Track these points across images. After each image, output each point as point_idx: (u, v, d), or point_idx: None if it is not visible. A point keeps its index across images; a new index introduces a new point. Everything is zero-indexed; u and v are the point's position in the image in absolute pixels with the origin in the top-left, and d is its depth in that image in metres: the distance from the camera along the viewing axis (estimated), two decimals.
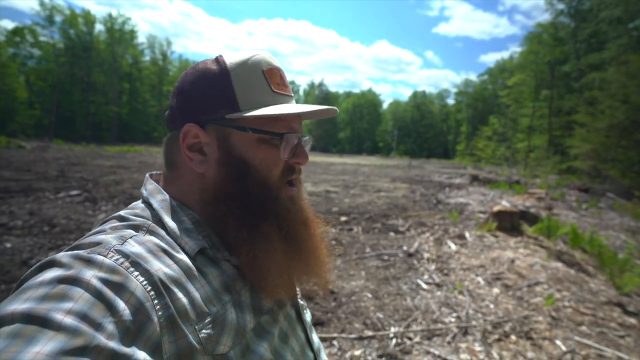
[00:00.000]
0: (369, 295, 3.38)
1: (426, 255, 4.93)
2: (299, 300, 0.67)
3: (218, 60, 0.55)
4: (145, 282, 0.41)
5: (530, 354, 2.49)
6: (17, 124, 33.10)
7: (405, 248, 5.16)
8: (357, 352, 2.38)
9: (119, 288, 0.38)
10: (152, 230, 0.49)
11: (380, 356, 2.37)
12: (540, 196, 10.27)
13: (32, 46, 39.76)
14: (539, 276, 4.09)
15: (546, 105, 30.45)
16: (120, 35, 46.10)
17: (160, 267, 0.44)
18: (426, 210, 8.35)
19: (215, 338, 0.45)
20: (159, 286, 0.42)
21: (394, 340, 2.55)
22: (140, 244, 0.45)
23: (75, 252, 0.40)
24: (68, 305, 0.34)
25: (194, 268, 0.47)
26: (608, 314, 3.29)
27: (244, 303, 0.51)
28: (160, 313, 0.40)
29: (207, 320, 0.45)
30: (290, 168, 0.58)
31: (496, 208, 6.02)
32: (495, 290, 3.69)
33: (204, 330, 0.44)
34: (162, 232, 0.49)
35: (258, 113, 0.52)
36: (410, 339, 2.60)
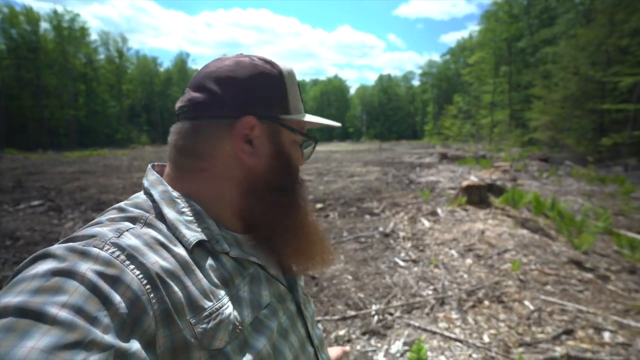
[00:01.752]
0: (349, 277, 3.48)
1: (402, 234, 5.09)
2: (302, 293, 0.66)
3: (272, 64, 0.58)
4: (141, 276, 0.40)
5: (502, 316, 2.66)
6: None
7: (381, 229, 5.30)
8: (342, 332, 2.47)
9: (115, 281, 0.38)
10: (150, 222, 0.48)
11: (363, 333, 2.46)
12: (505, 169, 10.75)
13: None
14: (507, 244, 4.33)
15: (506, 81, 31.61)
16: (69, 33, 43.35)
17: (157, 260, 0.43)
18: (399, 191, 8.56)
19: (211, 333, 0.44)
20: (155, 280, 0.41)
21: (375, 317, 2.65)
22: (137, 236, 0.44)
23: (70, 244, 0.40)
24: (62, 298, 0.33)
25: (191, 262, 0.46)
26: (569, 272, 3.54)
27: (242, 298, 0.50)
28: (156, 307, 0.40)
29: (203, 315, 0.44)
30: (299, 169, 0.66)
31: (465, 183, 6.26)
32: (468, 261, 3.88)
33: (200, 325, 0.43)
34: (161, 225, 0.48)
35: (308, 119, 0.60)
36: (391, 314, 2.71)
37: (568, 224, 4.65)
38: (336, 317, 2.65)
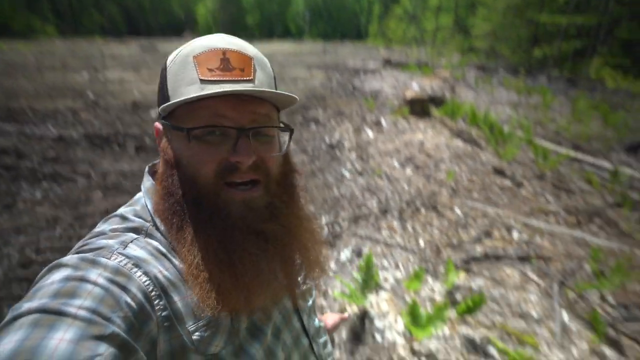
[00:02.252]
0: None
1: (347, 144, 5.24)
2: (300, 287, 0.62)
3: (168, 55, 0.53)
4: (147, 282, 0.43)
5: (436, 223, 3.01)
6: None
7: (327, 139, 5.38)
8: None
9: (124, 286, 0.40)
10: (150, 233, 0.49)
11: None
12: (445, 77, 11.04)
13: None
14: (444, 155, 4.69)
15: None
16: None
17: (160, 270, 0.45)
18: (344, 98, 8.52)
19: (208, 340, 0.46)
20: (159, 287, 0.43)
21: (326, 229, 2.86)
22: (141, 247, 0.46)
23: (81, 255, 0.42)
24: (79, 301, 0.36)
25: None
26: (492, 180, 4.01)
27: None
28: (159, 313, 0.42)
29: (200, 324, 0.46)
30: (231, 167, 0.49)
31: (408, 94, 6.39)
32: (408, 172, 4.18)
33: (197, 333, 0.45)
34: (159, 235, 0.49)
35: (163, 106, 0.49)
36: (340, 225, 2.93)
37: (496, 135, 5.09)
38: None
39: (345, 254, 2.54)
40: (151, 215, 0.51)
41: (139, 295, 0.41)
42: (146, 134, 5.24)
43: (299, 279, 0.60)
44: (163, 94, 0.51)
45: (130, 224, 0.49)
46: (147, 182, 0.54)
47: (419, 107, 6.23)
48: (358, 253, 2.54)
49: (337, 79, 11.94)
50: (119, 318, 0.37)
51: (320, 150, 4.95)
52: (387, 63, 16.37)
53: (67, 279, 0.38)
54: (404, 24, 41.08)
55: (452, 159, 4.51)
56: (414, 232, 2.85)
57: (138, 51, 21.69)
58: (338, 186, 3.73)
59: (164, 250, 0.48)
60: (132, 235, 0.48)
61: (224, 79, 0.48)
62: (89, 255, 0.42)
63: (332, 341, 0.86)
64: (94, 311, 0.36)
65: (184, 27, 58.89)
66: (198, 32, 57.56)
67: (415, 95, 6.27)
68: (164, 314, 0.43)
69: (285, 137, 0.57)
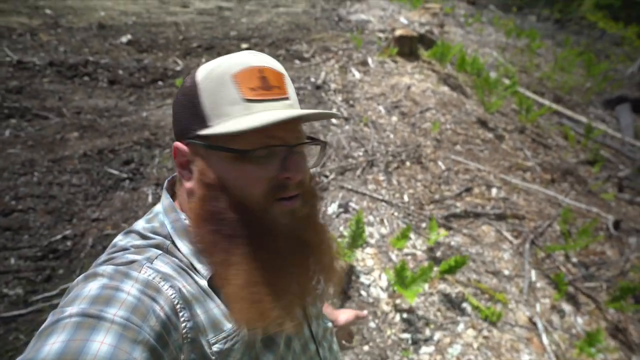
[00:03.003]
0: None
1: (333, 85, 5.06)
2: (315, 294, 0.64)
3: (193, 74, 0.53)
4: (174, 295, 0.46)
5: (420, 176, 3.10)
6: None
7: (312, 79, 5.17)
8: None
9: (153, 298, 0.43)
10: (171, 251, 0.52)
11: None
12: (434, 12, 10.48)
13: None
14: (430, 102, 4.65)
15: None
16: None
17: (184, 285, 0.48)
18: (329, 31, 8.03)
19: (227, 352, 0.49)
20: (184, 301, 0.47)
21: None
22: (166, 263, 0.50)
23: (115, 267, 0.46)
24: (114, 309, 0.39)
25: (208, 288, 0.51)
26: (475, 132, 4.08)
27: None
28: (183, 324, 0.45)
29: (221, 337, 0.49)
30: (281, 185, 0.51)
31: (397, 32, 6.09)
32: (394, 119, 4.16)
33: (217, 345, 0.49)
34: (179, 254, 0.52)
35: (216, 131, 0.48)
36: (326, 176, 2.97)
37: (483, 83, 5.05)
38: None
39: (332, 208, 2.62)
40: (171, 235, 0.53)
41: (167, 307, 0.44)
42: (119, 65, 4.84)
43: (315, 286, 0.62)
44: (196, 110, 0.50)
45: (151, 241, 0.52)
46: (166, 200, 0.56)
47: (408, 47, 5.99)
48: (345, 207, 2.62)
49: (322, 7, 11.10)
50: (149, 327, 0.40)
51: (306, 91, 4.79)
52: None
53: (104, 287, 0.42)
54: None
55: (438, 107, 4.49)
56: (399, 186, 2.94)
57: None
58: (325, 133, 3.69)
59: (185, 267, 0.51)
60: (157, 251, 0.51)
61: (267, 98, 0.50)
62: (121, 267, 0.45)
63: (351, 336, 0.89)
64: (127, 319, 0.39)
65: None
66: None
67: (404, 32, 5.99)
68: (188, 325, 0.46)
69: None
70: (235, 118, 0.48)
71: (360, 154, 3.35)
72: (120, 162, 2.84)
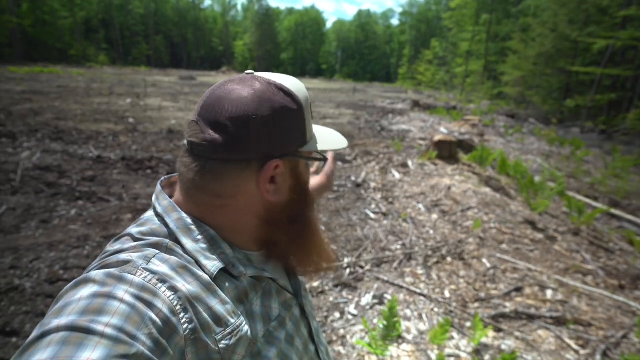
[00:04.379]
0: (322, 227, 3.58)
1: (373, 184, 5.22)
2: (302, 292, 0.70)
3: (291, 95, 0.55)
4: (172, 297, 0.44)
5: (462, 273, 2.90)
6: None
7: (353, 178, 5.39)
8: (316, 284, 2.59)
9: (149, 303, 0.42)
10: (171, 248, 0.51)
11: (336, 285, 2.60)
12: (474, 123, 11.00)
13: None
14: (471, 201, 4.58)
15: (485, 30, 31.06)
16: None
17: (184, 284, 0.47)
18: (371, 139, 8.61)
19: (232, 348, 0.49)
20: (184, 301, 0.45)
21: (347, 270, 2.79)
22: (164, 262, 0.48)
23: (107, 270, 0.43)
24: (106, 318, 0.37)
25: (212, 284, 0.51)
26: (523, 232, 3.85)
27: (255, 312, 0.55)
28: (185, 326, 0.44)
29: (226, 332, 0.49)
30: None
31: (436, 138, 6.38)
32: (434, 217, 4.10)
33: (223, 341, 0.48)
34: (180, 251, 0.52)
35: (326, 147, 0.61)
36: (362, 267, 2.87)
37: (528, 185, 4.95)
38: (310, 268, 2.76)
39: (366, 299, 2.46)
40: (173, 232, 0.53)
41: (165, 310, 0.42)
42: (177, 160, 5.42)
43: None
44: (301, 131, 0.57)
45: (148, 241, 0.51)
46: (165, 201, 0.56)
47: (447, 151, 6.19)
48: (380, 299, 2.45)
49: (366, 119, 12.15)
50: (144, 335, 0.39)
51: (346, 188, 4.95)
52: (416, 105, 16.58)
53: (95, 295, 0.39)
54: (434, 68, 41.91)
55: (480, 207, 4.39)
56: (439, 281, 2.74)
57: (178, 81, 23.00)
58: (362, 227, 3.68)
59: (186, 264, 0.50)
60: (154, 250, 0.49)
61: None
62: (114, 271, 0.43)
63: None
64: (120, 329, 0.37)
65: (222, 60, 62.11)
66: (235, 67, 60.59)
67: (443, 138, 6.26)
68: (190, 326, 0.45)
69: None
70: (316, 135, 0.63)
71: (398, 247, 3.25)
72: None
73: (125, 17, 50.31)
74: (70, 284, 0.43)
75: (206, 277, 0.50)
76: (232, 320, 0.50)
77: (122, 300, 0.40)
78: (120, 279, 0.42)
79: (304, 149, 0.57)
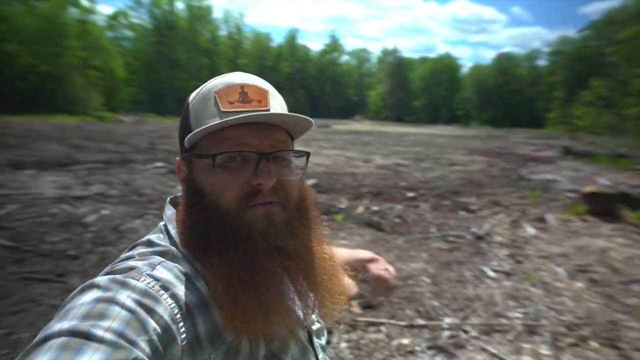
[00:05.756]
0: (427, 280, 3.23)
1: (498, 238, 4.54)
2: (316, 322, 0.65)
3: (196, 93, 0.57)
4: (173, 305, 0.44)
5: None
6: (118, 100, 37.39)
7: (474, 230, 4.81)
8: (406, 341, 2.30)
9: (151, 309, 0.42)
10: (176, 256, 0.52)
11: (429, 347, 2.26)
12: None
13: (126, 28, 44.02)
14: (637, 272, 3.52)
15: None
16: (198, 11, 48.61)
17: (185, 293, 0.47)
18: (504, 188, 7.65)
19: None
20: (184, 310, 0.45)
21: (447, 332, 2.41)
22: (168, 270, 0.48)
23: (112, 276, 0.45)
24: (107, 323, 0.37)
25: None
26: None
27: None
28: (183, 336, 0.44)
29: (221, 350, 0.47)
30: (253, 191, 0.52)
31: (588, 189, 5.26)
32: (578, 285, 3.27)
33: (218, 359, 0.47)
34: (184, 260, 0.52)
35: (189, 136, 0.51)
36: (465, 332, 2.43)
37: None
38: (403, 322, 2.48)
39: None
40: (175, 241, 0.54)
41: (165, 317, 0.42)
42: None
43: (313, 313, 0.61)
44: (186, 128, 0.55)
45: (157, 248, 0.52)
46: (169, 211, 0.58)
47: (603, 206, 5.01)
48: None
49: (501, 166, 10.96)
50: (144, 342, 0.38)
51: (464, 240, 4.44)
52: (567, 152, 14.23)
53: (97, 300, 0.40)
54: (595, 110, 35.74)
55: None
56: None
57: (313, 129, 25.29)
58: (475, 285, 3.19)
59: (189, 273, 0.50)
60: (159, 258, 0.50)
61: (243, 109, 0.52)
62: (119, 276, 0.44)
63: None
64: (120, 334, 0.37)
65: (355, 109, 66.06)
66: (368, 115, 63.54)
67: (597, 189, 5.12)
68: (188, 337, 0.44)
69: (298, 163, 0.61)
70: (209, 122, 0.51)
71: (518, 315, 2.67)
72: None
73: (275, 76, 59.20)
74: (77, 289, 0.44)
75: (205, 289, 0.50)
76: (229, 337, 0.48)
77: (123, 306, 0.40)
78: (124, 284, 0.43)
79: (187, 138, 0.52)
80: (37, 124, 17.19)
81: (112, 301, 0.40)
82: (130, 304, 0.40)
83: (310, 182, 7.31)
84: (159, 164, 8.20)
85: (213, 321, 0.48)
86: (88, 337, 0.36)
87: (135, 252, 0.52)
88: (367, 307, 2.65)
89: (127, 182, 6.49)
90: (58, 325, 0.37)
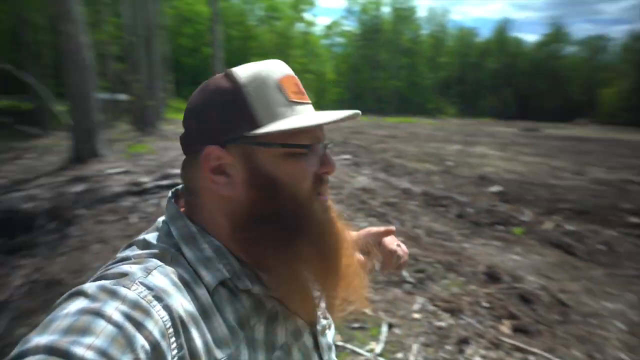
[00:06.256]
0: (621, 325, 2.53)
1: None
2: (321, 321, 0.63)
3: (228, 76, 0.52)
4: (165, 318, 0.41)
5: None
6: (326, 99, 43.17)
7: None
8: None
9: (140, 323, 0.39)
10: (176, 259, 0.49)
11: None
12: None
13: (338, 35, 49.97)
14: None
15: None
16: (402, 13, 50.17)
17: (182, 303, 0.44)
18: None
19: None
20: (177, 323, 0.42)
21: None
22: (165, 275, 0.45)
23: (102, 283, 0.42)
24: (89, 340, 0.35)
25: (212, 305, 0.47)
26: None
27: (257, 340, 0.50)
28: (175, 352, 0.41)
29: None
30: (320, 179, 0.55)
31: None
32: None
33: None
34: (185, 262, 0.49)
35: (282, 127, 0.49)
36: None
37: None
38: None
39: None
40: (177, 242, 0.51)
41: (155, 333, 0.39)
42: (472, 205, 5.41)
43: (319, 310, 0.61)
44: (244, 113, 0.50)
45: (154, 250, 0.49)
46: (172, 208, 0.54)
47: None
48: None
49: None
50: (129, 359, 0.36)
51: None
52: None
53: (82, 311, 0.37)
54: None
55: None
56: None
57: (517, 132, 22.30)
58: None
59: (187, 279, 0.47)
60: (157, 262, 0.47)
61: (304, 101, 0.55)
62: (108, 284, 0.41)
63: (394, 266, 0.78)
64: (103, 353, 0.34)
65: (579, 111, 53.82)
66: (598, 118, 50.76)
67: None
68: (180, 353, 0.41)
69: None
70: (288, 118, 0.51)
71: None
72: (413, 270, 3.18)
73: (477, 73, 54.65)
74: (66, 294, 0.41)
75: (206, 297, 0.47)
76: (228, 351, 0.46)
77: (109, 319, 0.37)
78: (113, 294, 0.40)
79: (257, 132, 0.50)
80: None
81: (98, 314, 0.37)
82: (117, 317, 0.38)
83: (494, 189, 6.64)
84: (346, 157, 9.10)
85: (210, 334, 0.45)
86: (67, 355, 0.33)
87: (131, 252, 0.49)
88: (520, 330, 2.33)
89: None
90: (37, 339, 0.35)
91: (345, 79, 49.37)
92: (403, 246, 0.81)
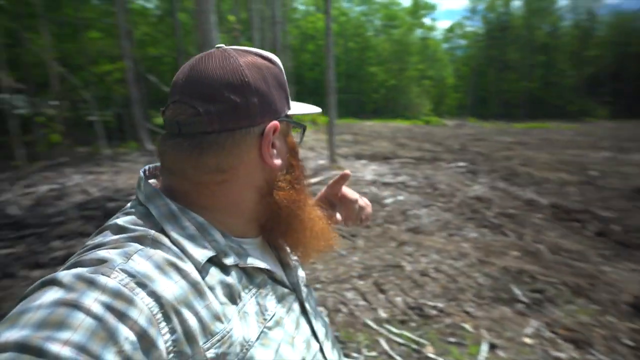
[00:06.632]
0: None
1: None
2: (303, 286, 0.67)
3: (270, 59, 0.56)
4: (151, 305, 0.39)
5: None
6: (445, 105, 40.83)
7: None
8: None
9: (122, 314, 0.36)
10: (157, 240, 0.46)
11: None
12: None
13: (460, 38, 46.86)
14: None
15: None
16: (537, 4, 44.17)
17: (168, 286, 0.42)
18: None
19: (222, 357, 0.44)
20: (166, 308, 0.40)
21: None
22: (147, 258, 0.43)
23: (78, 271, 0.38)
24: (66, 334, 0.32)
25: (201, 282, 0.46)
26: None
27: (248, 312, 0.50)
28: (166, 337, 0.39)
29: (215, 340, 0.44)
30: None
31: None
32: None
33: (212, 350, 0.43)
34: (167, 242, 0.47)
35: (300, 110, 0.61)
36: None
37: None
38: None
39: None
40: (158, 221, 0.49)
41: (141, 321, 0.37)
42: (620, 221, 4.45)
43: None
44: (286, 95, 0.58)
45: (132, 233, 0.46)
46: (148, 187, 0.52)
47: None
48: None
49: None
50: (112, 353, 0.33)
51: None
52: None
53: (57, 303, 0.34)
54: None
55: None
56: None
57: None
58: None
59: (172, 259, 0.45)
60: (136, 245, 0.44)
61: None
62: (86, 272, 0.38)
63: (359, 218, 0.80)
64: (81, 349, 0.32)
65: None
66: None
67: None
68: (172, 337, 0.40)
69: None
70: (296, 103, 0.63)
71: None
72: (527, 289, 2.76)
73: (639, 66, 44.54)
74: (37, 282, 0.38)
75: (194, 274, 0.45)
76: (222, 326, 0.45)
77: (88, 312, 0.34)
78: (91, 283, 0.37)
79: (291, 112, 0.58)
80: (377, 127, 21.72)
81: (76, 306, 0.34)
82: (97, 309, 0.35)
83: None
84: (461, 164, 8.48)
85: (204, 311, 0.44)
86: (40, 353, 0.30)
87: (106, 238, 0.45)
88: None
89: (428, 176, 7.21)
90: (6, 334, 0.32)
91: (466, 83, 46.01)
92: (365, 199, 0.83)
